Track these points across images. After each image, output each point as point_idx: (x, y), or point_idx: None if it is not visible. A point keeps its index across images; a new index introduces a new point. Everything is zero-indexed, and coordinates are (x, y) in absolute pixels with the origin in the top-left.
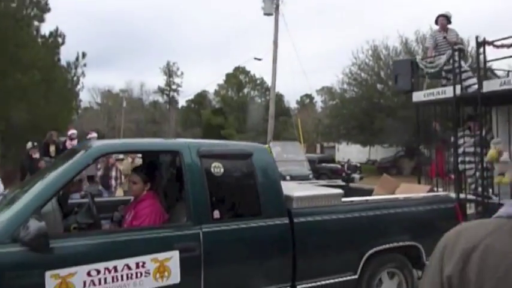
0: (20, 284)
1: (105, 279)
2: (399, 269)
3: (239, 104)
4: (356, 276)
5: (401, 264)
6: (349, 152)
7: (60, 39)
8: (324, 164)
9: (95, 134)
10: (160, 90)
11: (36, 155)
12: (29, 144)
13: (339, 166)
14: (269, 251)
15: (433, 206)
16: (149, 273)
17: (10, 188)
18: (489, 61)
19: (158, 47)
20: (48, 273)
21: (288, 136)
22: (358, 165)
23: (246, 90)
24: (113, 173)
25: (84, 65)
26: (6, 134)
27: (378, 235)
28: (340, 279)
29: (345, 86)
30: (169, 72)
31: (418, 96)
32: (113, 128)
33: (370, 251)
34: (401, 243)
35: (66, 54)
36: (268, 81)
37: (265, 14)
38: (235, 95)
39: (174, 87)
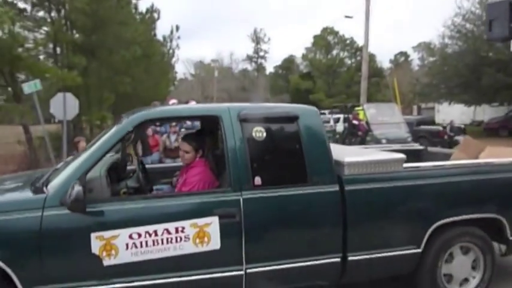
0: (69, 244)
1: (146, 242)
2: (475, 244)
3: (328, 67)
4: (419, 250)
5: (478, 239)
6: (451, 113)
7: (155, 15)
8: (422, 127)
9: (194, 102)
10: (249, 58)
11: None
12: None
13: (440, 128)
14: (316, 220)
15: None
16: (189, 238)
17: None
18: None
19: (245, 15)
20: (93, 235)
21: (381, 98)
22: (463, 126)
23: (335, 52)
24: None
25: (178, 37)
26: (116, 107)
27: (448, 206)
28: (400, 253)
29: (447, 40)
30: (257, 39)
31: None
32: (207, 97)
33: (438, 223)
34: (477, 215)
35: (161, 29)
36: (359, 41)
37: None
38: (324, 57)
39: (261, 54)
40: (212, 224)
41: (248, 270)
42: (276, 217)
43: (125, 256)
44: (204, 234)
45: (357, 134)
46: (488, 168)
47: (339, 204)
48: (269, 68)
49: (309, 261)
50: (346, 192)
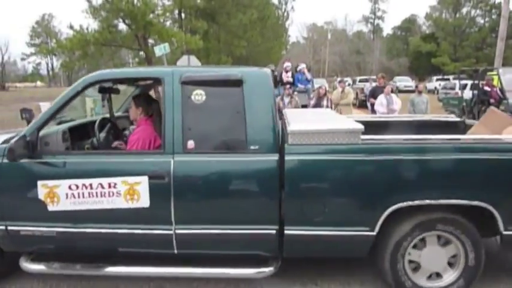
0: (22, 188)
1: (83, 193)
2: (457, 237)
3: (455, 27)
4: (373, 233)
5: (461, 231)
6: None
7: None
8: None
9: (304, 65)
10: (365, 19)
11: None
12: None
13: None
14: (251, 189)
15: None
16: (120, 194)
17: None
18: None
19: None
20: (39, 183)
21: None
22: None
23: (464, 10)
24: (324, 102)
25: None
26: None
27: (409, 187)
28: (348, 233)
29: None
30: None
31: None
32: (318, 61)
33: (396, 206)
34: (451, 202)
35: None
36: None
37: None
38: (451, 16)
39: (379, 14)
40: (142, 183)
41: (177, 231)
42: (207, 182)
43: (65, 204)
44: (134, 192)
45: (489, 102)
46: (480, 146)
47: (278, 174)
48: (386, 30)
49: (243, 229)
50: (285, 163)
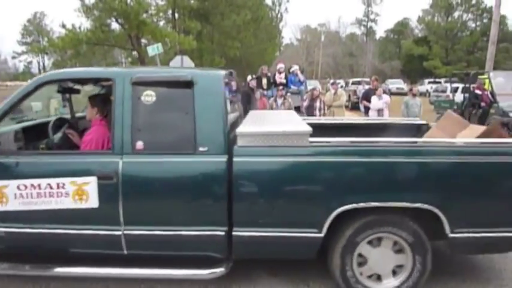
0: None
1: (31, 194)
2: (405, 240)
3: (447, 31)
4: (321, 235)
5: (408, 234)
6: None
7: None
8: None
9: (297, 67)
10: (358, 22)
11: (254, 87)
12: (249, 77)
13: None
14: (200, 190)
15: (486, 158)
16: (68, 195)
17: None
18: None
19: None
20: None
21: (510, 67)
22: None
23: (456, 14)
24: (317, 104)
25: (287, 1)
26: (225, 70)
27: (355, 190)
28: (295, 235)
29: None
30: (368, 0)
31: None
32: (312, 62)
33: (343, 208)
34: (398, 204)
35: None
36: (487, 0)
37: None
38: (443, 20)
39: (372, 17)
40: (91, 184)
41: (126, 232)
42: (156, 183)
43: (14, 204)
44: (83, 192)
45: (480, 105)
46: (426, 150)
47: (226, 176)
48: (379, 33)
49: (192, 231)
50: (234, 164)
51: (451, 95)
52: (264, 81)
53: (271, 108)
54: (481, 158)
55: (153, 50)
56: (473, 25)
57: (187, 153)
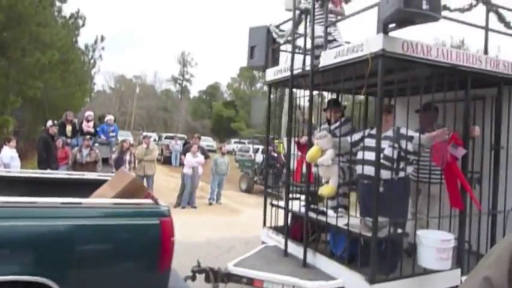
0: None
1: None
2: None
3: (251, 98)
4: None
5: None
6: None
7: (80, 21)
8: None
9: (112, 116)
10: (174, 79)
11: (55, 133)
12: (49, 123)
13: None
14: None
15: (115, 220)
16: None
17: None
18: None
19: (174, 37)
20: None
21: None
22: None
23: (259, 85)
24: (127, 157)
25: (102, 48)
26: (22, 112)
27: None
28: None
29: None
30: (184, 61)
31: (269, 74)
32: (124, 113)
33: None
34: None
35: (84, 37)
36: None
37: (286, 9)
38: (248, 89)
39: (187, 76)
40: None
41: None
42: None
43: None
44: None
45: (276, 166)
46: (34, 211)
47: None
48: (193, 92)
49: None
50: None
51: (252, 155)
52: (69, 128)
53: (75, 159)
54: (105, 220)
55: None
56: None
57: None
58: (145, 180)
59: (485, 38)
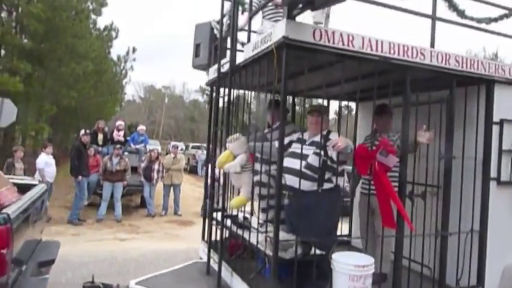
0: None
1: None
2: None
3: None
4: None
5: None
6: None
7: (113, 33)
8: None
9: (144, 127)
10: (201, 90)
11: (87, 142)
12: (82, 132)
13: None
14: None
15: None
16: None
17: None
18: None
19: None
20: None
21: None
22: None
23: None
24: (155, 166)
25: (134, 59)
26: (56, 120)
27: None
28: None
29: None
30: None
31: (210, 73)
32: (153, 122)
33: None
34: None
35: (117, 48)
36: None
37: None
38: None
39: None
40: None
41: None
42: None
43: None
44: None
45: None
46: None
47: None
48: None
49: None
50: None
51: None
52: (100, 137)
53: (105, 167)
54: None
55: None
56: None
57: None
58: (172, 188)
59: (431, 26)
